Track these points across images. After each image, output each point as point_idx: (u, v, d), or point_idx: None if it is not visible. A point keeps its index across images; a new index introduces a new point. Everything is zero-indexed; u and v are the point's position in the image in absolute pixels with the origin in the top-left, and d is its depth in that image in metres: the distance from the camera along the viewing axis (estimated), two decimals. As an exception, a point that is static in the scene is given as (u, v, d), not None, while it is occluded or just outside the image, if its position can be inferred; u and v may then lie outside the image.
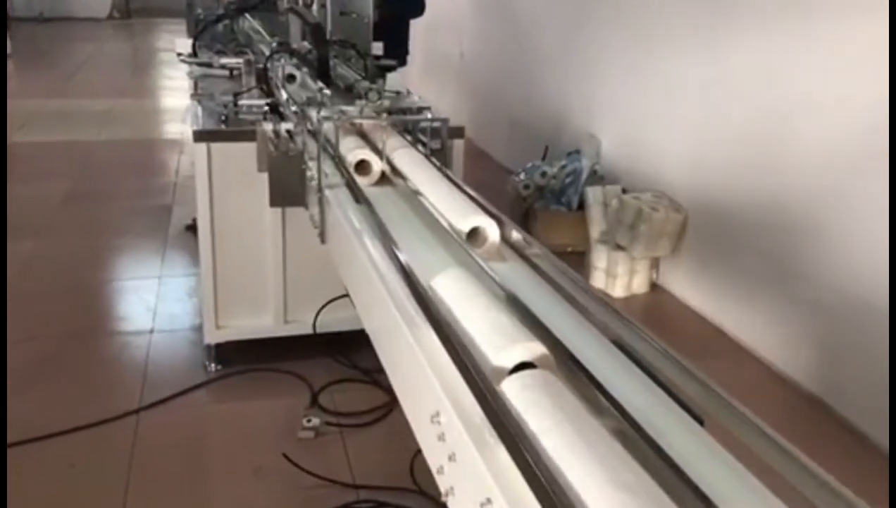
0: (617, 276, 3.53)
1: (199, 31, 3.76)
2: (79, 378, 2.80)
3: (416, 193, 1.78)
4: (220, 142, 2.64)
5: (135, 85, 8.51)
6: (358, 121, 2.08)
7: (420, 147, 2.08)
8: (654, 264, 3.61)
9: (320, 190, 1.96)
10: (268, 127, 2.55)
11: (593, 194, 3.91)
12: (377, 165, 1.99)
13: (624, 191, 3.93)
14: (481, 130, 6.00)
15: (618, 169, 4.10)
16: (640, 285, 3.58)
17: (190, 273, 3.65)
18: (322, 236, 2.00)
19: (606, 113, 4.26)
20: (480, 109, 6.23)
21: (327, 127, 2.06)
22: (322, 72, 2.38)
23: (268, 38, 3.62)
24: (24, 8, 13.97)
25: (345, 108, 2.16)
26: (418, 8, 4.94)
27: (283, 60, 2.93)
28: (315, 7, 3.73)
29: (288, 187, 2.24)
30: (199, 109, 2.97)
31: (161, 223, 4.28)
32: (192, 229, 4.18)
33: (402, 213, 1.76)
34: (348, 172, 1.92)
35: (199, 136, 2.62)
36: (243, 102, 2.92)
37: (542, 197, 4.16)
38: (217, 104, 2.99)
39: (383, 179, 1.98)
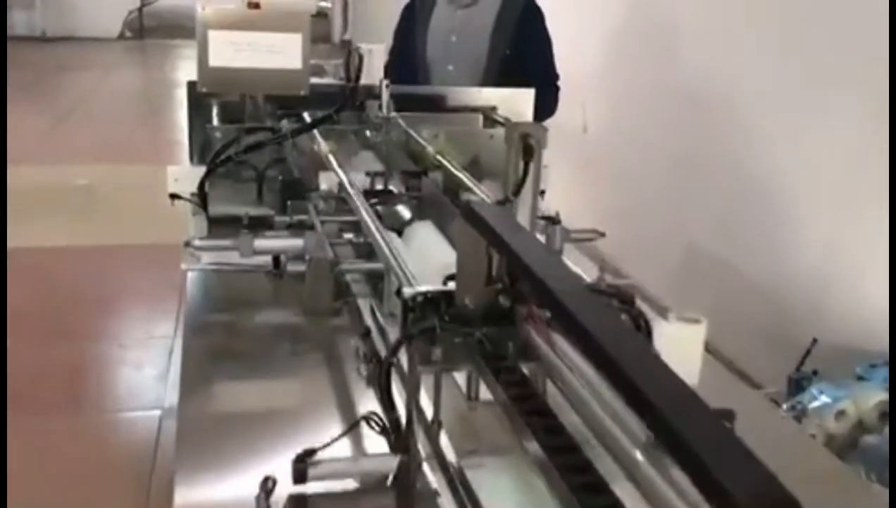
0: None
1: (213, 163, 1.88)
2: None
3: None
4: None
5: (139, 138, 6.64)
6: None
7: None
8: None
9: None
10: None
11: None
12: None
13: None
14: (625, 252, 4.08)
15: None
16: None
17: None
18: None
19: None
20: (619, 216, 4.31)
21: None
22: None
23: (348, 185, 1.73)
24: (24, 26, 12.27)
25: None
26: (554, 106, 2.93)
27: (438, 351, 1.05)
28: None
29: None
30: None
31: None
32: None
33: None
34: None
35: None
36: (323, 469, 1.04)
37: (845, 456, 2.23)
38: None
39: None
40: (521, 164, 1.23)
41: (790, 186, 3.03)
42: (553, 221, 1.83)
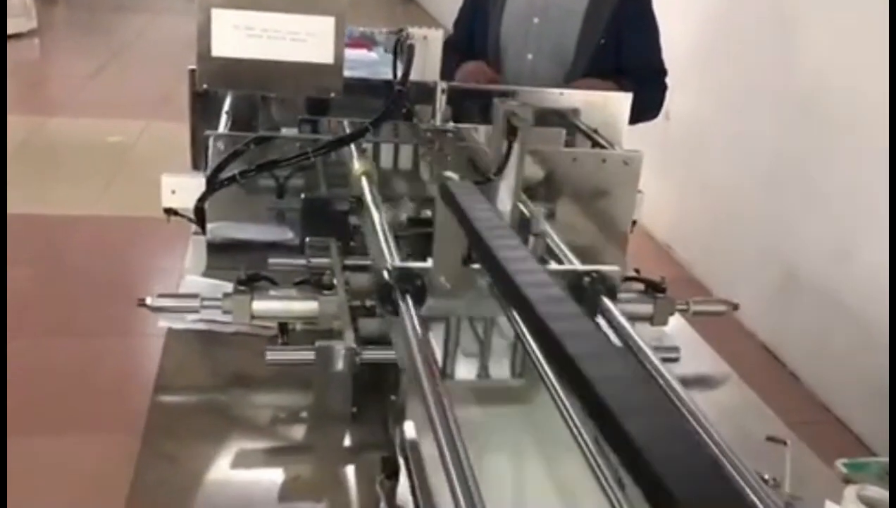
0: None
1: (213, 183, 1.45)
2: None
3: None
4: None
5: (181, 90, 6.24)
6: None
7: None
8: None
9: None
10: None
11: None
12: None
13: None
14: (713, 270, 3.58)
15: None
16: None
17: None
18: None
19: None
20: (705, 226, 3.79)
21: None
22: None
23: (379, 226, 1.29)
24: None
25: None
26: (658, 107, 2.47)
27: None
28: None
29: None
30: None
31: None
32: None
33: None
34: None
35: None
36: None
37: None
38: None
39: None
40: (505, 143, 1.17)
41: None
42: (657, 288, 1.36)
